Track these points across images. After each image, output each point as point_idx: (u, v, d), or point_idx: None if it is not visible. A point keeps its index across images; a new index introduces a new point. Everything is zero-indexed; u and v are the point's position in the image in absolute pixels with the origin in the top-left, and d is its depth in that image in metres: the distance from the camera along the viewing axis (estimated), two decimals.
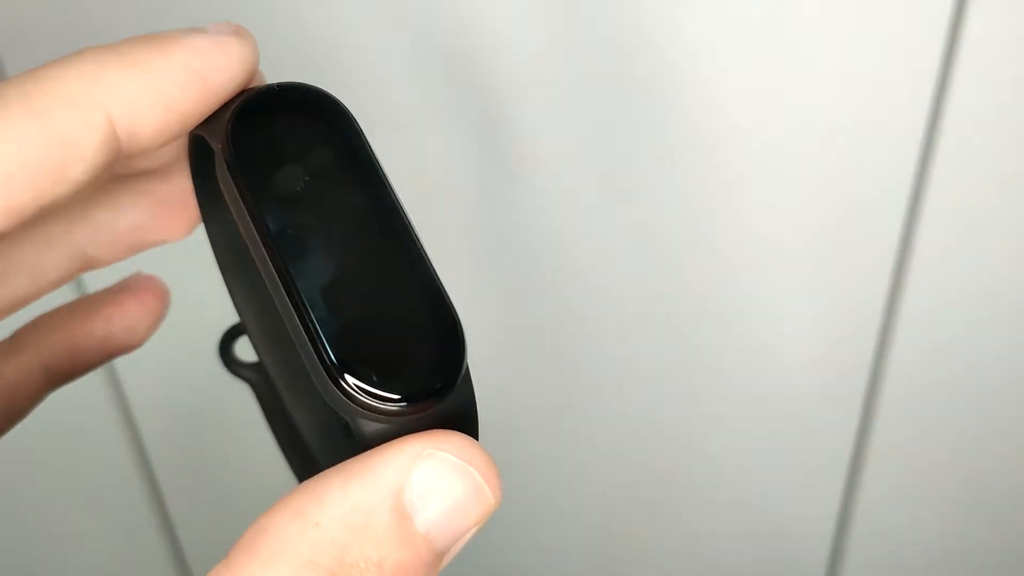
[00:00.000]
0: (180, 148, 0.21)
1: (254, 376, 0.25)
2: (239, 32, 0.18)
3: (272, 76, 0.19)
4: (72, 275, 0.22)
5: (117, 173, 0.22)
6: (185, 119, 0.17)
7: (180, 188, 0.22)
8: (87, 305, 0.24)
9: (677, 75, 0.32)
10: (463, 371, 0.17)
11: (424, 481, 0.16)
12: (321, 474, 0.16)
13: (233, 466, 0.43)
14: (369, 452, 0.17)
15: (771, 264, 0.36)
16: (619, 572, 0.47)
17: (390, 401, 0.16)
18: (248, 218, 0.17)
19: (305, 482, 0.16)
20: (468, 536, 0.17)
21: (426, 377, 0.17)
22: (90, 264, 0.22)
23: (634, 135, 0.33)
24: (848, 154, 0.33)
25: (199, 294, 0.29)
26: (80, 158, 0.16)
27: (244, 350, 0.25)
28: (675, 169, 0.34)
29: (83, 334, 0.23)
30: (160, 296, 0.24)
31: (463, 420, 0.18)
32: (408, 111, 0.33)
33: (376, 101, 0.32)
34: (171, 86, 0.17)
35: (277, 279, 0.17)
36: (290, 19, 0.31)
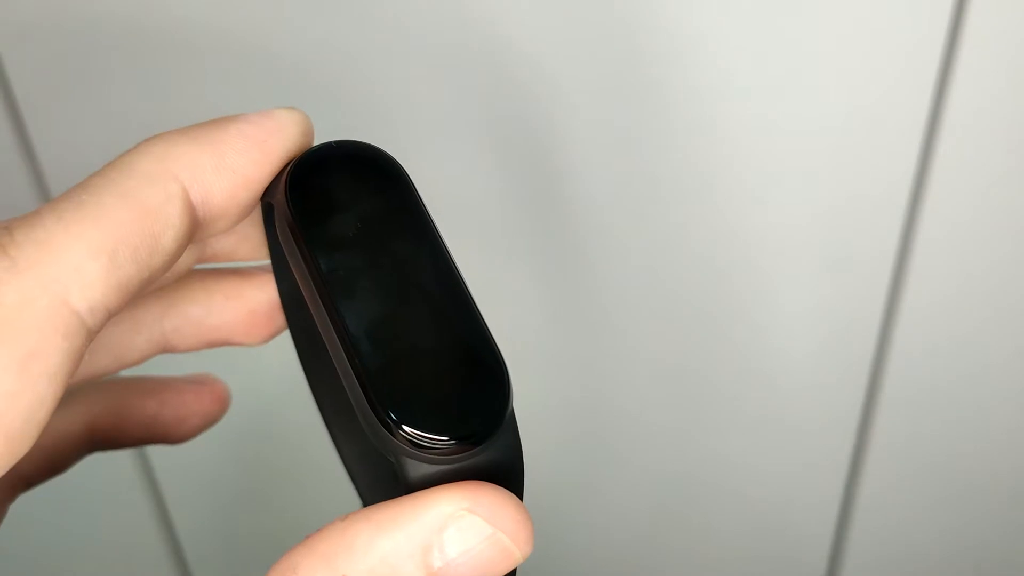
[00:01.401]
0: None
1: None
2: (290, 108, 0.19)
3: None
4: (150, 357, 0.23)
5: (208, 256, 0.22)
6: (250, 183, 0.19)
7: (270, 299, 0.23)
8: (147, 382, 0.24)
9: (677, 75, 0.32)
10: (507, 416, 0.17)
11: (453, 544, 0.17)
12: (353, 516, 0.17)
13: (233, 466, 0.43)
14: (402, 500, 0.17)
15: (771, 263, 0.36)
16: (618, 571, 0.47)
17: (431, 440, 0.17)
18: (301, 261, 0.18)
19: (335, 523, 0.17)
20: None
21: (469, 419, 0.17)
22: (168, 349, 0.23)
23: (633, 135, 0.33)
24: (848, 152, 0.33)
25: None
26: (168, 226, 0.17)
27: None
28: (674, 168, 0.34)
29: (134, 407, 0.24)
30: (219, 400, 0.25)
31: (505, 469, 0.18)
32: (421, 112, 0.33)
33: (388, 102, 0.32)
34: (231, 151, 0.18)
35: (327, 316, 0.17)
36: (310, 30, 0.31)
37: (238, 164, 0.18)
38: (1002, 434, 0.41)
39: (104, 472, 0.42)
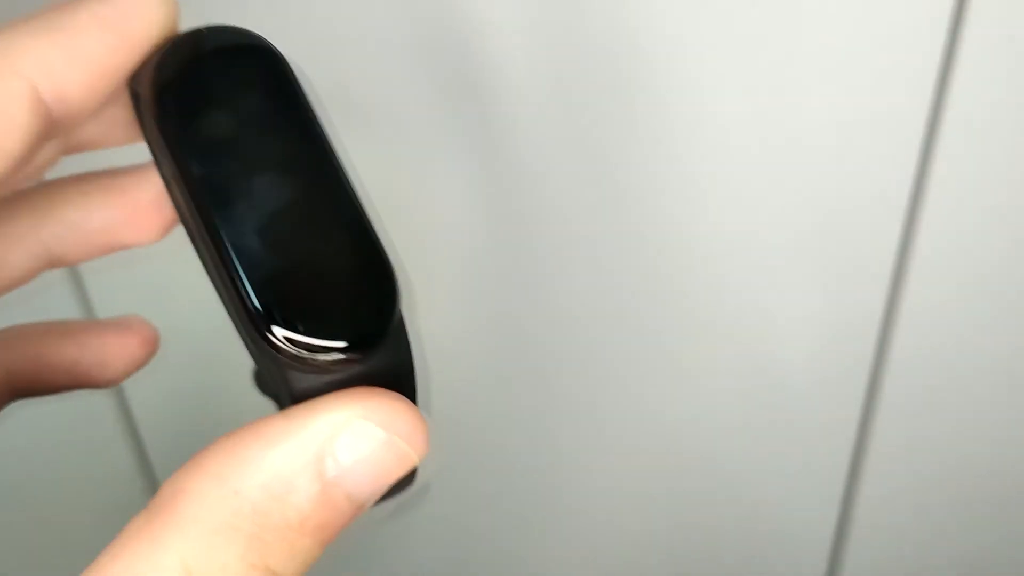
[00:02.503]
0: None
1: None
2: None
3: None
4: (36, 272, 0.22)
5: (73, 146, 0.21)
6: (108, 72, 0.17)
7: (154, 190, 0.21)
8: (66, 326, 0.23)
9: (676, 75, 0.32)
10: (395, 320, 0.16)
11: (346, 452, 0.16)
12: (241, 432, 0.16)
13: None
14: (290, 412, 0.16)
15: (770, 263, 0.36)
16: (618, 571, 0.47)
17: (314, 350, 0.16)
18: (172, 163, 0.16)
19: (223, 439, 0.16)
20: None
21: (353, 326, 0.16)
22: (56, 262, 0.22)
23: (631, 134, 0.33)
24: (848, 152, 0.33)
25: (199, 295, 0.29)
26: (13, 127, 0.16)
27: None
28: (674, 168, 0.34)
29: (53, 353, 0.23)
30: (145, 342, 0.23)
31: (397, 375, 0.17)
32: (399, 110, 0.33)
33: (368, 98, 0.32)
34: (85, 40, 0.16)
35: (200, 224, 0.16)
36: (291, 17, 0.31)
37: (94, 52, 0.17)
38: (1002, 435, 0.41)
39: (104, 471, 0.42)
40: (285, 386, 0.16)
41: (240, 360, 0.23)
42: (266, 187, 0.16)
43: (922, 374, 0.39)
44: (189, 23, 0.18)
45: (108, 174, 0.22)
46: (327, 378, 0.16)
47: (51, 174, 0.22)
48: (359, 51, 0.31)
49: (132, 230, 0.22)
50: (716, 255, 0.36)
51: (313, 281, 0.16)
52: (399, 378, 0.17)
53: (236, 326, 0.16)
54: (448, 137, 0.33)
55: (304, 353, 0.16)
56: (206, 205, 0.16)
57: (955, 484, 0.43)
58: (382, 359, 0.16)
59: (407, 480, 0.20)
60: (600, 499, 0.45)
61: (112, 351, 0.23)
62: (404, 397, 0.17)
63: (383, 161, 0.34)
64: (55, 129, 0.17)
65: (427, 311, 0.38)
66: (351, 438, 0.16)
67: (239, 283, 0.16)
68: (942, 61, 0.31)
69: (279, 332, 0.15)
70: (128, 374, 0.24)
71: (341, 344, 0.16)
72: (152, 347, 0.24)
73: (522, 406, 0.41)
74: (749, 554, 0.46)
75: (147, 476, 0.43)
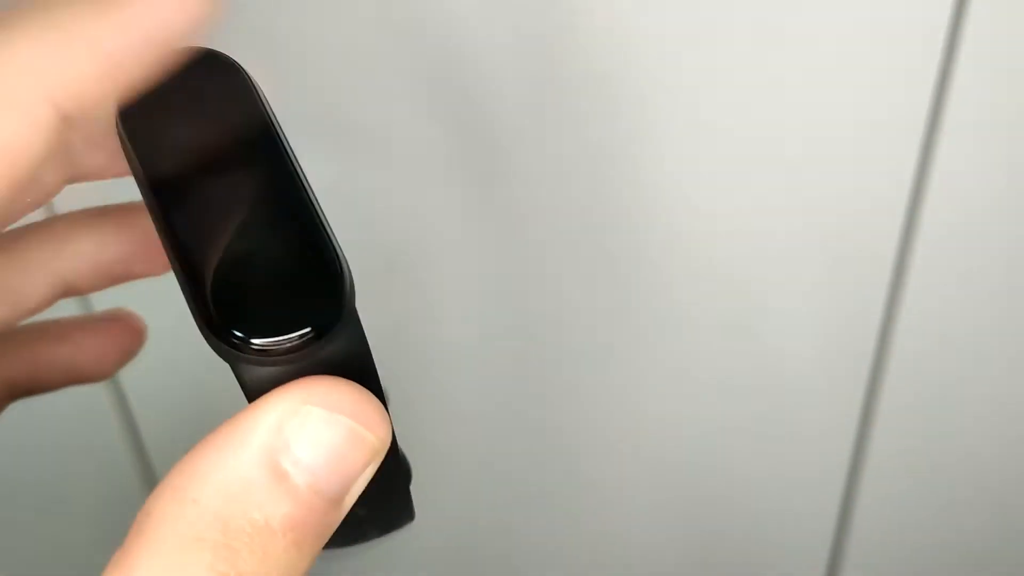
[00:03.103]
0: None
1: None
2: None
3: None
4: (52, 302, 0.22)
5: (78, 175, 0.21)
6: (134, 84, 0.16)
7: None
8: (59, 327, 0.23)
9: (676, 76, 0.32)
10: (344, 312, 0.16)
11: (294, 439, 0.16)
12: (197, 445, 0.16)
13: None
14: (238, 415, 0.16)
15: (770, 264, 0.36)
16: (618, 571, 0.47)
17: (262, 342, 0.16)
18: (139, 169, 0.17)
19: (183, 459, 0.16)
20: (365, 474, 0.17)
21: (299, 317, 0.16)
22: (70, 292, 0.22)
23: (631, 135, 0.33)
24: (848, 152, 0.33)
25: None
26: (23, 158, 0.15)
27: None
28: (674, 169, 0.34)
29: (48, 354, 0.23)
30: (134, 332, 0.24)
31: (350, 366, 0.17)
32: (383, 113, 0.33)
33: (351, 103, 0.32)
34: (123, 57, 0.15)
35: (160, 226, 0.17)
36: (271, 21, 0.31)
37: (132, 72, 0.15)
38: (1002, 436, 0.41)
39: (104, 471, 0.42)
40: (240, 380, 0.17)
41: None
42: (221, 192, 0.17)
43: (922, 375, 0.39)
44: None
45: (121, 209, 0.22)
46: (277, 371, 0.16)
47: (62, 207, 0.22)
48: (345, 61, 0.31)
49: (143, 262, 0.22)
50: (716, 255, 0.36)
51: (260, 274, 0.16)
52: (353, 370, 0.17)
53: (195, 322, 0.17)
54: (444, 137, 0.33)
55: (249, 345, 0.16)
56: (163, 204, 0.17)
57: (955, 484, 0.43)
58: (333, 349, 0.16)
59: (403, 510, 0.20)
60: (600, 499, 0.45)
61: (105, 347, 0.24)
62: (350, 381, 0.17)
63: (369, 166, 0.34)
64: (68, 130, 0.16)
65: (430, 315, 0.38)
66: (298, 424, 0.16)
67: (189, 276, 0.16)
68: (942, 61, 0.31)
69: (224, 323, 0.16)
70: (121, 366, 0.24)
71: (285, 333, 0.16)
72: (142, 338, 0.24)
73: (521, 406, 0.41)
74: (749, 554, 0.46)
75: (147, 476, 0.43)
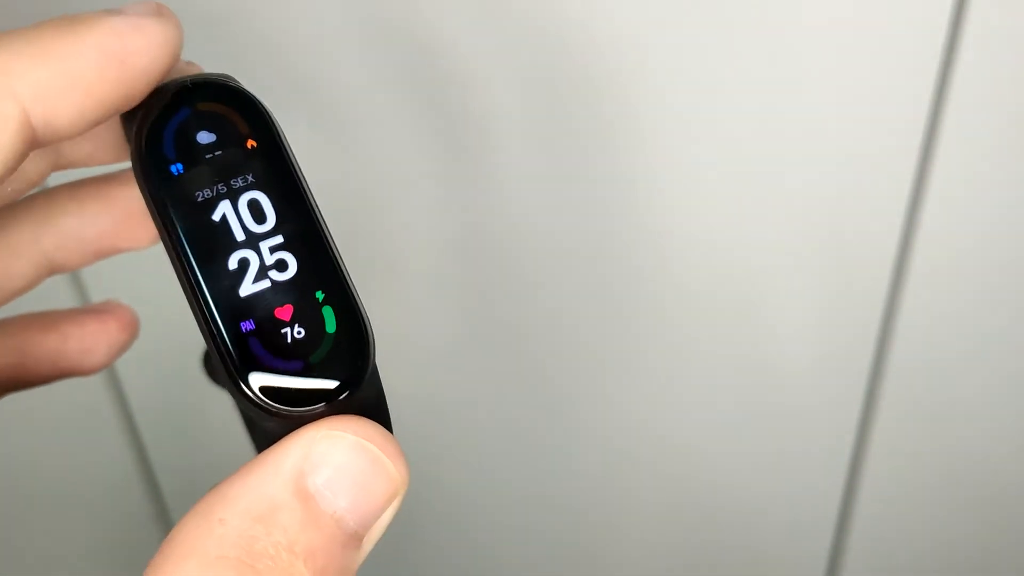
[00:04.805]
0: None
1: None
2: (160, 12, 0.17)
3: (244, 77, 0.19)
4: (38, 281, 0.22)
5: (63, 163, 0.21)
6: (105, 105, 0.17)
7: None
8: (47, 317, 0.23)
9: (676, 77, 0.32)
10: (368, 373, 0.17)
11: (323, 461, 0.16)
12: (229, 476, 0.17)
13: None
14: (271, 448, 0.17)
15: (770, 264, 0.36)
16: (618, 570, 0.47)
17: (294, 410, 0.16)
18: (159, 218, 0.17)
19: (215, 485, 0.16)
20: (386, 517, 0.17)
21: (331, 383, 0.17)
22: (56, 269, 0.22)
23: (631, 136, 0.33)
24: (847, 154, 0.33)
25: None
26: None
27: None
28: (673, 171, 0.34)
29: (36, 345, 0.23)
30: (125, 325, 0.24)
31: (368, 413, 0.17)
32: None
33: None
34: (86, 71, 0.16)
35: (186, 281, 0.17)
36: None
37: (92, 85, 0.16)
38: (1002, 434, 0.41)
39: (104, 470, 0.42)
40: (266, 432, 0.17)
41: None
42: (247, 244, 0.17)
43: (922, 375, 0.39)
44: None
45: (100, 181, 0.22)
46: (302, 423, 0.17)
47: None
48: (337, 58, 0.31)
49: (127, 236, 0.22)
50: (715, 257, 0.36)
51: (291, 338, 0.17)
52: (372, 417, 0.17)
53: (219, 370, 0.17)
54: (438, 137, 0.33)
55: (277, 405, 0.16)
56: (190, 259, 0.17)
57: (955, 484, 0.43)
58: (354, 404, 0.17)
59: None
60: (600, 499, 0.45)
61: (94, 338, 0.23)
62: (374, 421, 0.17)
63: (360, 163, 0.34)
64: (38, 147, 0.17)
65: (416, 314, 0.38)
66: (326, 447, 0.16)
67: (221, 344, 0.17)
68: (942, 61, 0.31)
69: (253, 385, 0.16)
70: (112, 359, 0.24)
71: (318, 405, 0.17)
72: (133, 330, 0.24)
73: (520, 407, 0.41)
74: (750, 554, 0.46)
75: (147, 476, 0.43)
